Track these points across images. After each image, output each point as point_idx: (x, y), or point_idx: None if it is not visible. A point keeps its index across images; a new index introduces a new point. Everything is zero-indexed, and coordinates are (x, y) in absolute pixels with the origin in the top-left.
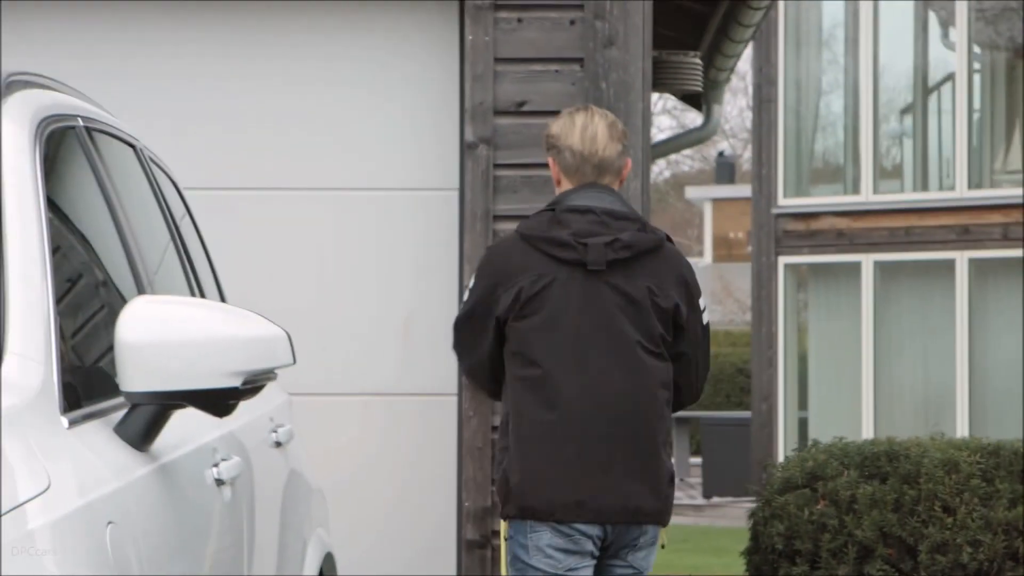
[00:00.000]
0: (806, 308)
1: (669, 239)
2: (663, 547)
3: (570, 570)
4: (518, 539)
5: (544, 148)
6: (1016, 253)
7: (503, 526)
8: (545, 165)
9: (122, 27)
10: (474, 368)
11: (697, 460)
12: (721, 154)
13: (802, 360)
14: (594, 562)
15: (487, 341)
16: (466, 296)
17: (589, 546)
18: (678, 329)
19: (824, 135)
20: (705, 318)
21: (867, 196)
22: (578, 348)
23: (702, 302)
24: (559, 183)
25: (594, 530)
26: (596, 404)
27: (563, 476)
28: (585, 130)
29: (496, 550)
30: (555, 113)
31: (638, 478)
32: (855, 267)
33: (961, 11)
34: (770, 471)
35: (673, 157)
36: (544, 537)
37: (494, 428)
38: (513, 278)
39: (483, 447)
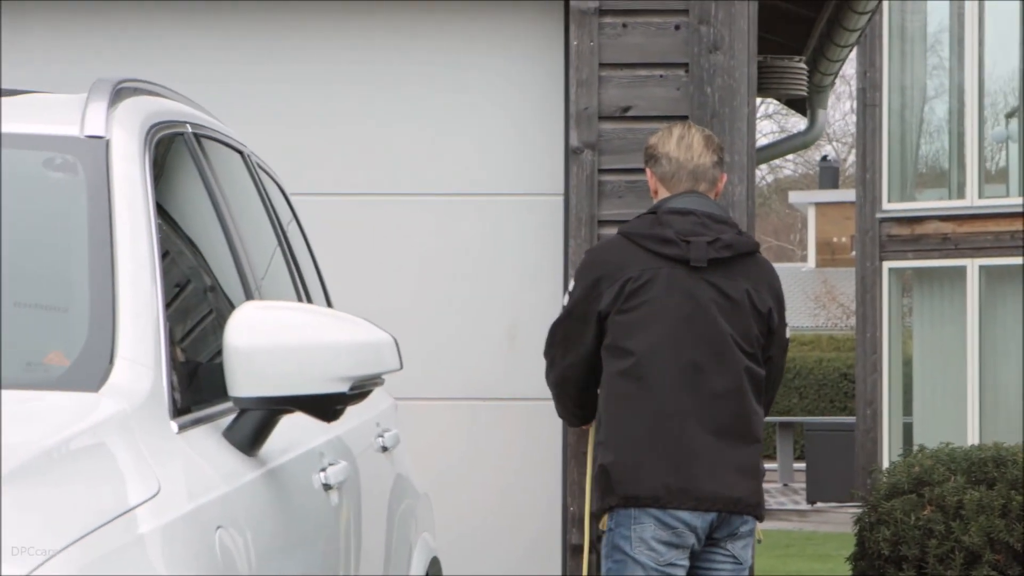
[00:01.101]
0: (911, 313)
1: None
2: (759, 542)
3: (670, 564)
4: (620, 531)
5: (644, 161)
6: None
7: (586, 524)
8: None
9: (219, 29)
10: (565, 375)
11: (801, 465)
12: (825, 158)
13: (907, 365)
14: (688, 558)
15: (587, 338)
16: (565, 300)
17: (691, 539)
18: (769, 334)
19: (929, 139)
20: (787, 333)
21: (972, 200)
22: (678, 341)
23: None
24: (656, 193)
25: (697, 520)
26: (695, 396)
27: (665, 463)
28: (682, 139)
29: (600, 555)
30: (660, 118)
31: (737, 468)
32: (960, 271)
33: None
34: (876, 476)
35: (776, 162)
36: (648, 529)
37: None
38: (617, 274)
39: (588, 451)
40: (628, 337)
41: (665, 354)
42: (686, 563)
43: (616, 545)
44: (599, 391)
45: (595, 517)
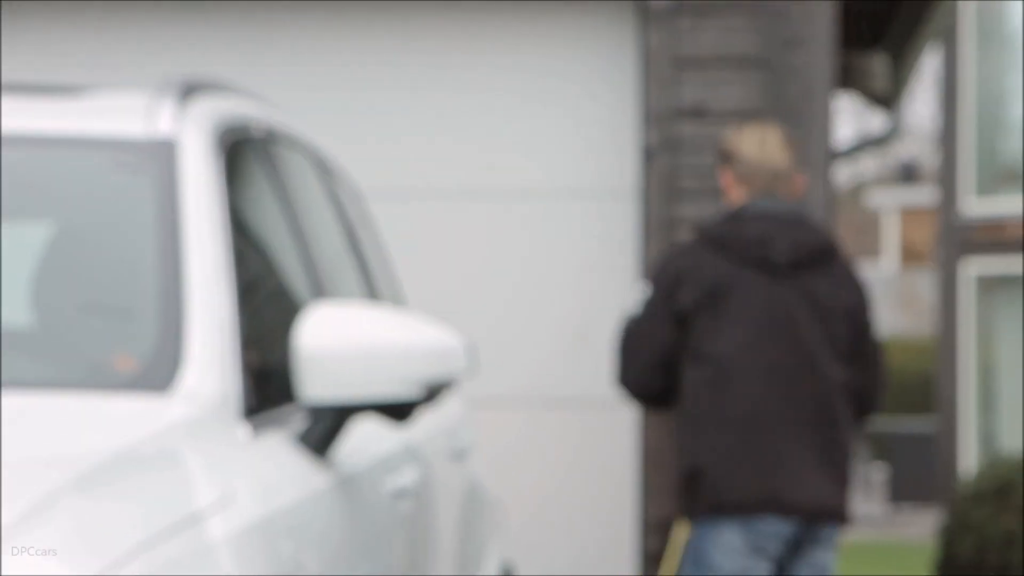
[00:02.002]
0: (992, 316)
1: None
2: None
3: (751, 573)
4: (706, 539)
5: (717, 160)
6: None
7: (677, 529)
8: None
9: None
10: (638, 374)
11: (881, 469)
12: (905, 159)
13: (988, 370)
14: (772, 567)
15: (663, 339)
16: (638, 302)
17: (773, 547)
18: (858, 333)
19: (1012, 139)
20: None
21: None
22: (762, 347)
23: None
24: (730, 192)
25: (782, 528)
26: (782, 401)
27: (751, 471)
28: (759, 139)
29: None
30: (737, 116)
31: (825, 475)
32: None
33: None
34: (958, 483)
35: (855, 161)
36: (731, 538)
37: None
38: (697, 276)
39: (666, 455)
40: (711, 342)
41: (749, 360)
42: (769, 571)
43: (703, 553)
44: (682, 396)
45: (673, 522)
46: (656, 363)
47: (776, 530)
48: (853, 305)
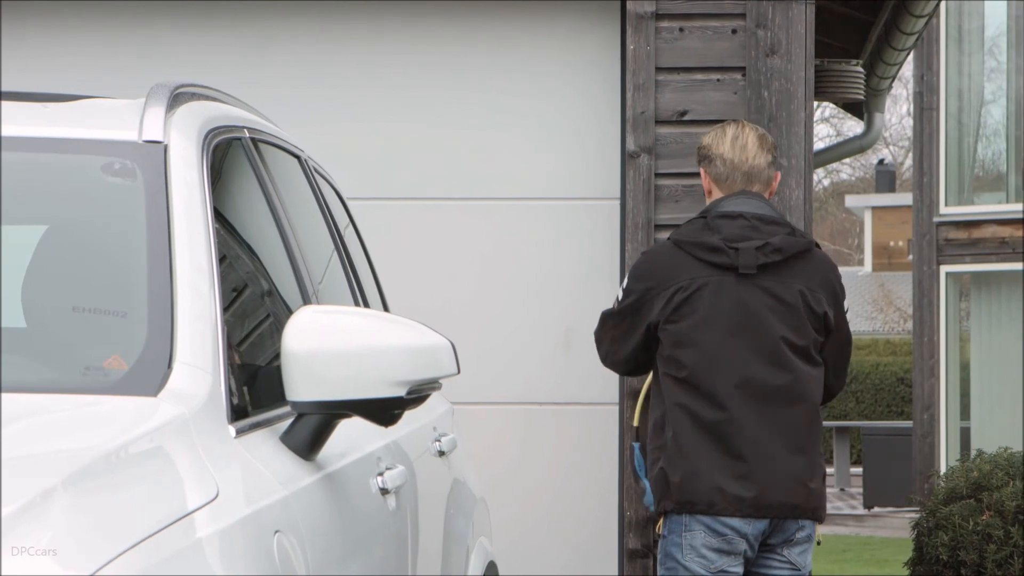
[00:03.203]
0: (968, 317)
1: (817, 244)
2: (819, 543)
3: (721, 571)
4: (672, 538)
5: (696, 160)
6: None
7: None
8: None
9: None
10: (613, 360)
11: (858, 470)
12: (881, 162)
13: (964, 369)
14: (743, 563)
15: (632, 342)
16: (620, 296)
17: (742, 546)
18: (828, 332)
19: (986, 142)
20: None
21: None
22: (731, 349)
23: (846, 304)
24: (710, 193)
25: (750, 528)
26: (751, 403)
27: (720, 471)
28: (736, 139)
29: (657, 560)
30: (717, 122)
31: (794, 474)
32: (1017, 275)
33: None
34: (934, 481)
35: (833, 166)
36: (698, 537)
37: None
38: (667, 283)
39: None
40: (680, 347)
41: (718, 364)
42: (739, 569)
43: (668, 552)
44: (653, 394)
45: (652, 521)
46: (628, 357)
47: (740, 529)
48: (824, 302)
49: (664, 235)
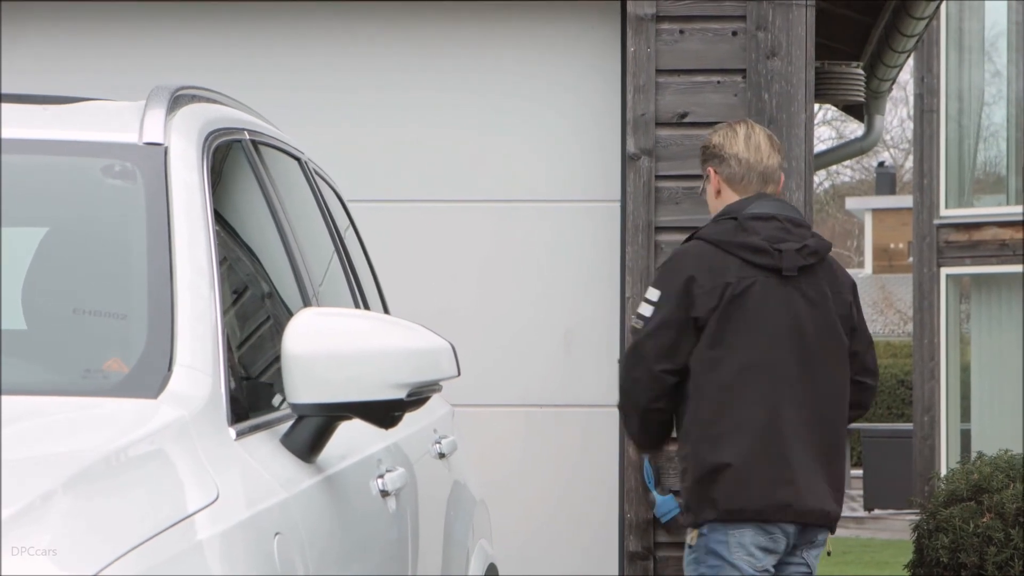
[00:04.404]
0: (968, 319)
1: None
2: (828, 554)
3: (764, 570)
4: (716, 536)
5: (701, 159)
6: None
7: (692, 534)
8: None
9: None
10: (657, 391)
11: (858, 472)
12: (882, 164)
13: (964, 371)
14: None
15: (686, 346)
16: (646, 310)
17: (783, 545)
18: (852, 333)
19: (986, 144)
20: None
21: None
22: (777, 352)
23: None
24: (719, 193)
25: (791, 529)
26: (795, 409)
27: (770, 478)
28: (749, 139)
29: (659, 562)
30: (716, 124)
31: (827, 481)
32: (1017, 278)
33: None
34: (934, 484)
35: (833, 168)
36: (747, 535)
37: None
38: (712, 281)
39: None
40: (728, 348)
41: (766, 366)
42: (773, 569)
43: (712, 550)
44: (688, 401)
45: (684, 525)
46: (677, 373)
47: (787, 531)
48: (848, 304)
49: (664, 237)
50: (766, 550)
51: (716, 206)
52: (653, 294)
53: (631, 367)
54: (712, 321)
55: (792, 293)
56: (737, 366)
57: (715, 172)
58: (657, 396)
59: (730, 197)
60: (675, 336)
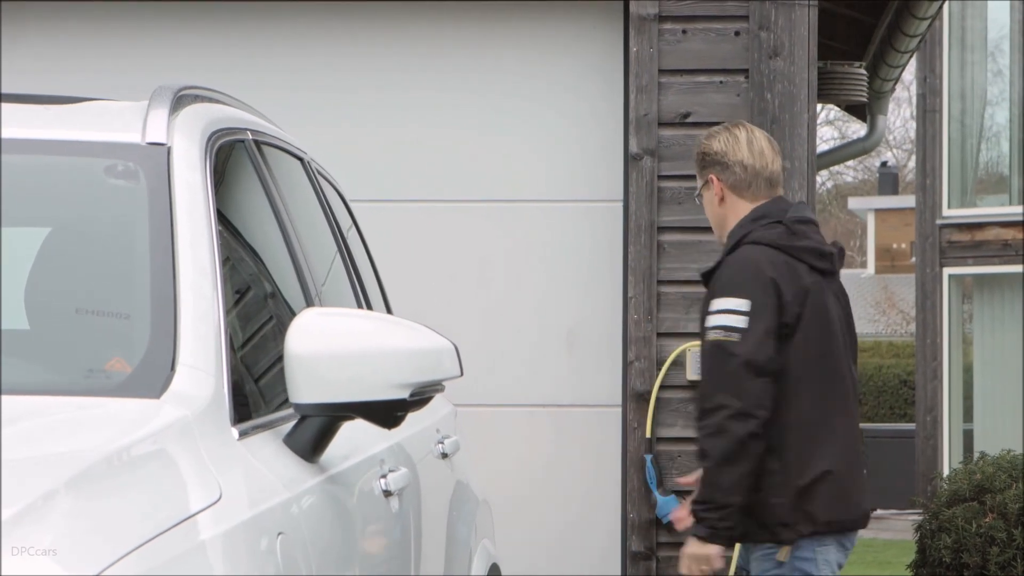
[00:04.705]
0: (971, 319)
1: None
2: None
3: None
4: (805, 554)
5: (699, 165)
6: None
7: (734, 550)
8: None
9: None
10: (760, 415)
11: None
12: (884, 164)
13: (967, 371)
14: None
15: (787, 349)
16: (739, 321)
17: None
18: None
19: (989, 145)
20: None
21: None
22: (841, 354)
23: None
24: (722, 200)
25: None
26: (851, 409)
27: (859, 484)
28: (752, 145)
29: (661, 562)
30: (719, 124)
31: (865, 484)
32: (1020, 278)
33: None
34: (937, 484)
35: (835, 168)
36: (831, 551)
37: (659, 440)
38: (792, 285)
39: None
40: (815, 354)
41: (841, 369)
42: None
43: (803, 570)
44: (780, 411)
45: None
46: (772, 390)
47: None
48: (850, 307)
49: (666, 237)
50: (839, 564)
51: (721, 213)
52: (741, 304)
53: (743, 380)
54: (800, 327)
55: (833, 296)
56: (824, 371)
57: (718, 179)
58: (768, 409)
59: (736, 203)
60: (776, 344)
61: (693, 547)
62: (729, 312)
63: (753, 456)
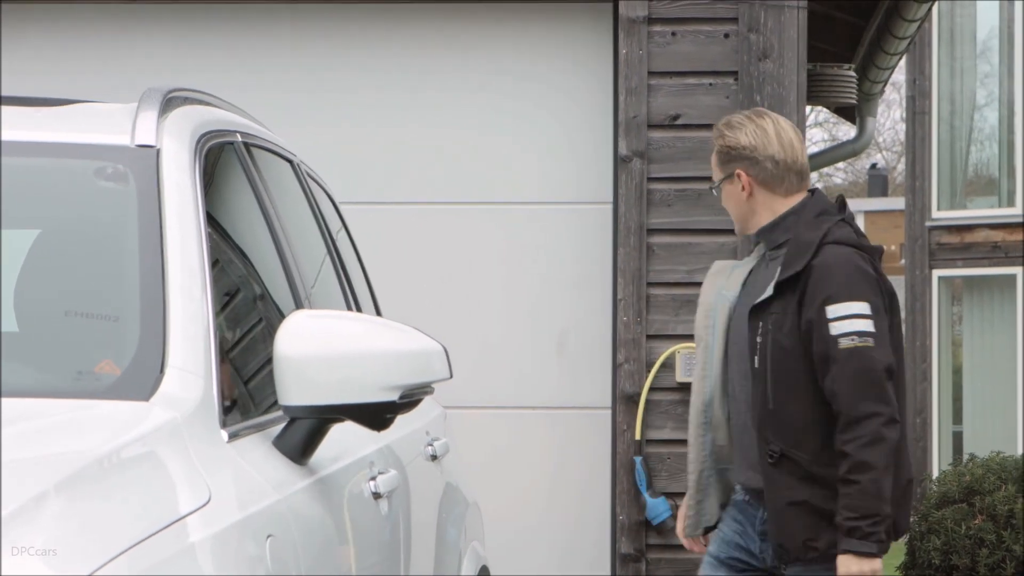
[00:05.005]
0: (960, 321)
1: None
2: None
3: None
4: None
5: (722, 159)
6: None
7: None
8: (699, 178)
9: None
10: (897, 406)
11: None
12: (874, 166)
13: (957, 374)
14: None
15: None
16: (869, 325)
17: None
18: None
19: (978, 147)
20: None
21: (1022, 208)
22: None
23: None
24: (751, 195)
25: None
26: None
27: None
28: (780, 138)
29: (650, 563)
30: (709, 127)
31: None
32: (1010, 280)
33: None
34: (926, 486)
35: (825, 170)
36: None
37: (648, 442)
38: (882, 286)
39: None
40: (900, 362)
41: (905, 380)
42: None
43: None
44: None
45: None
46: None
47: None
48: None
49: (656, 239)
50: None
51: (749, 208)
52: (863, 307)
53: (886, 386)
54: (891, 330)
55: None
56: (902, 376)
57: (746, 174)
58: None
59: (769, 199)
60: (889, 348)
61: (857, 565)
62: (856, 317)
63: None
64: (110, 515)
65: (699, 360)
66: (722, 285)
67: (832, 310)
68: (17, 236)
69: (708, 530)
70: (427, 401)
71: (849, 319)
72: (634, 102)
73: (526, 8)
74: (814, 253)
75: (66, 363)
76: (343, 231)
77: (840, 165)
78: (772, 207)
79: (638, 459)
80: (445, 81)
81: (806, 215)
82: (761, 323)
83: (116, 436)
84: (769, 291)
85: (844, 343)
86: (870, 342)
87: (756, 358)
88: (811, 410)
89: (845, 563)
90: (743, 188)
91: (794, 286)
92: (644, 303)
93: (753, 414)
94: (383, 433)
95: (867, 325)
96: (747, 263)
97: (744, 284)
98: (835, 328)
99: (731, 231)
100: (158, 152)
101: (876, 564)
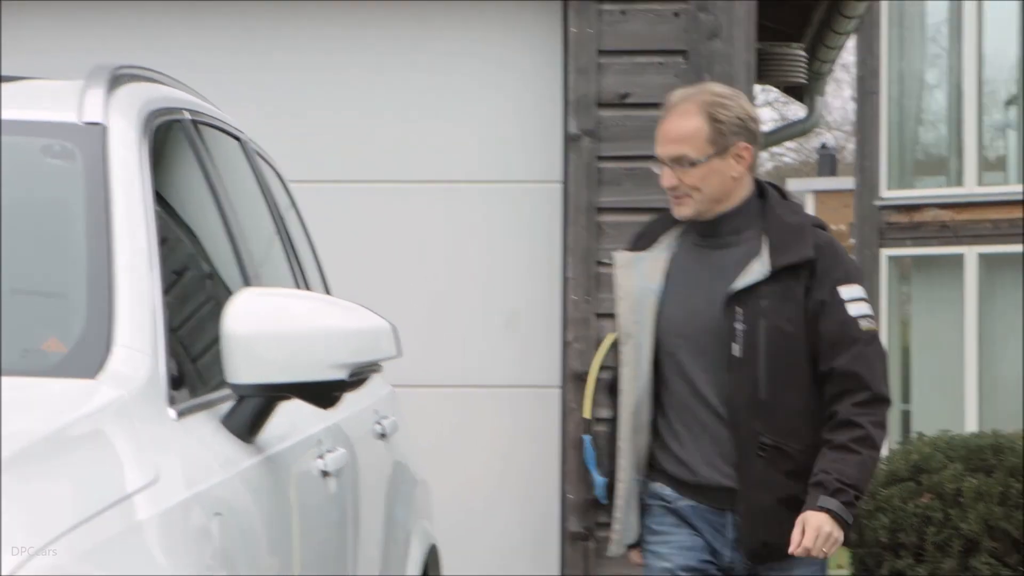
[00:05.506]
0: (909, 301)
1: None
2: None
3: None
4: None
5: (730, 130)
6: None
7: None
8: (649, 157)
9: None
10: None
11: None
12: (823, 146)
13: (905, 352)
14: None
15: None
16: (871, 308)
17: None
18: None
19: (927, 127)
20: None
21: (971, 188)
22: None
23: None
24: (743, 174)
25: None
26: None
27: None
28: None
29: (599, 542)
30: (658, 106)
31: None
32: (958, 259)
33: None
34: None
35: (775, 149)
36: None
37: (598, 420)
38: None
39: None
40: None
41: None
42: None
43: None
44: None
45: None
46: None
47: None
48: None
49: (606, 218)
50: None
51: (731, 187)
52: (863, 291)
53: (886, 362)
54: None
55: None
56: None
57: (748, 147)
58: None
59: (748, 178)
60: None
61: (830, 526)
62: (864, 300)
63: None
64: (55, 494)
65: (628, 359)
66: (640, 276)
67: (845, 291)
68: None
69: (631, 547)
70: (376, 380)
71: (860, 302)
72: (584, 81)
73: None
74: (811, 236)
75: (12, 341)
76: (292, 209)
77: (789, 144)
78: (748, 187)
79: (587, 438)
80: (393, 59)
81: (772, 199)
82: (742, 309)
83: (62, 414)
84: (759, 275)
85: (864, 324)
86: (875, 324)
87: (737, 346)
88: (808, 399)
89: (819, 519)
90: (745, 166)
91: (796, 270)
92: (594, 282)
93: (732, 406)
94: (332, 411)
95: (871, 308)
96: (658, 252)
97: (668, 274)
98: (852, 309)
99: None
100: (105, 129)
101: (842, 536)
